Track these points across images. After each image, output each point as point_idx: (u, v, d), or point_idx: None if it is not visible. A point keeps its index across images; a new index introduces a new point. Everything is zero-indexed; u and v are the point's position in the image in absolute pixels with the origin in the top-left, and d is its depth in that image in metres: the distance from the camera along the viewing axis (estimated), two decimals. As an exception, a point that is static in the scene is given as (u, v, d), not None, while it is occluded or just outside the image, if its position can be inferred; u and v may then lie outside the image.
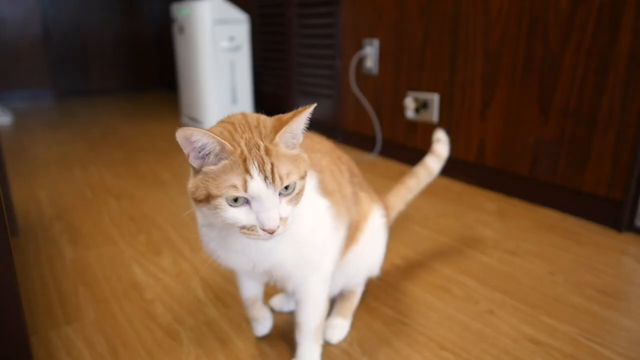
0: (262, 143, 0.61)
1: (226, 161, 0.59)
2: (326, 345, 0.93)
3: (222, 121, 0.67)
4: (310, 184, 0.76)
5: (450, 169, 2.01)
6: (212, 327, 1.01)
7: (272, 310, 1.05)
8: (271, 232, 0.61)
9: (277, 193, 0.61)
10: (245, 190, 0.59)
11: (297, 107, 0.65)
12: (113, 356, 0.92)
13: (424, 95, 2.05)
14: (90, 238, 1.45)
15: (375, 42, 2.25)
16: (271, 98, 3.20)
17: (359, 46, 2.35)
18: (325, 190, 0.80)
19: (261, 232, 0.61)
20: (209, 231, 0.74)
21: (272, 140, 0.61)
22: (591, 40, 1.44)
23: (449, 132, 1.97)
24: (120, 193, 1.85)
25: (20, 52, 4.21)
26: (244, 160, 0.59)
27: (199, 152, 0.60)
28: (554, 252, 1.34)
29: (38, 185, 1.94)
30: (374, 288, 1.16)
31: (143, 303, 1.11)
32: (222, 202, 0.60)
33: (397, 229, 1.50)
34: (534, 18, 1.59)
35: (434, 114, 2.02)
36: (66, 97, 4.38)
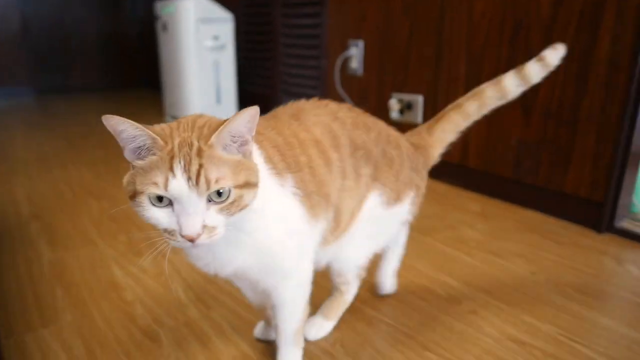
0: (196, 143, 0.57)
1: (154, 157, 0.56)
2: (308, 346, 0.93)
3: (177, 119, 0.63)
4: (278, 189, 0.71)
5: (434, 171, 2.01)
6: (193, 328, 1.00)
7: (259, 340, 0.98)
8: (190, 240, 0.56)
9: (203, 198, 0.56)
10: (166, 188, 0.55)
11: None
12: (90, 358, 0.90)
13: (408, 97, 2.05)
14: (69, 239, 1.42)
15: (361, 43, 2.25)
16: (256, 98, 3.18)
17: (344, 47, 2.35)
18: (303, 190, 0.75)
19: (180, 239, 0.57)
20: None
21: (207, 140, 0.57)
22: (572, 43, 1.46)
23: (433, 134, 1.99)
24: (100, 193, 1.81)
25: (-1, 49, 4.11)
26: (171, 158, 0.55)
27: (131, 144, 0.57)
28: (535, 253, 1.36)
29: (16, 185, 1.89)
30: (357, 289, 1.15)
31: (122, 304, 1.08)
32: (144, 200, 0.57)
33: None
34: (516, 21, 1.60)
35: (418, 115, 2.02)
36: (46, 95, 4.30)
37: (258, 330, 0.98)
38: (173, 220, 0.57)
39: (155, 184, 0.55)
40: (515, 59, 1.62)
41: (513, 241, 1.43)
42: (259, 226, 0.67)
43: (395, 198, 0.90)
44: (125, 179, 0.60)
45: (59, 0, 4.36)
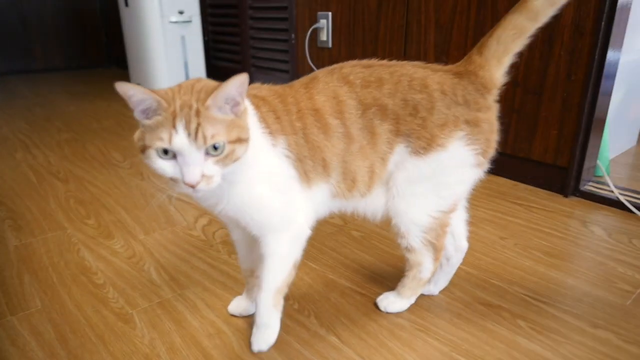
0: (195, 105, 0.65)
1: (159, 117, 0.65)
2: (283, 319, 0.92)
3: (178, 84, 0.71)
4: (269, 148, 0.77)
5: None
6: (167, 309, 0.99)
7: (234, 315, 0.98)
8: (192, 186, 0.66)
9: (202, 151, 0.65)
10: (170, 142, 0.64)
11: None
12: (62, 344, 0.89)
13: (379, 68, 2.04)
14: (35, 224, 1.38)
15: (329, 15, 2.21)
16: (225, 73, 3.11)
17: (314, 19, 2.30)
18: (296, 154, 0.79)
19: (182, 185, 0.67)
20: None
21: (204, 103, 0.66)
22: (538, 9, 1.47)
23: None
24: (67, 176, 1.76)
25: (-49, 29, 3.90)
26: (174, 117, 0.64)
27: (139, 106, 0.66)
28: (505, 219, 1.39)
29: (-24, 171, 1.82)
30: (330, 260, 1.16)
31: (93, 288, 1.07)
32: (152, 153, 0.66)
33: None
34: (483, -12, 1.59)
35: (389, 87, 2.02)
36: (7, 77, 4.12)
37: (233, 306, 0.98)
38: (177, 170, 0.67)
39: (161, 139, 0.65)
40: (483, 26, 1.62)
41: (483, 208, 1.46)
42: (242, 179, 0.74)
43: (426, 145, 0.82)
44: (136, 135, 0.69)
45: (13, -24, 4.13)
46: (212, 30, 3.15)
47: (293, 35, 2.46)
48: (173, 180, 0.68)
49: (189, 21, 2.74)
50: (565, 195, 1.52)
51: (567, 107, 1.47)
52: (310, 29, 2.31)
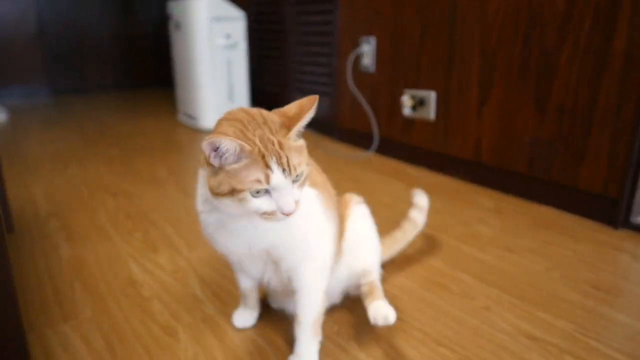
0: (274, 138, 0.67)
1: (246, 160, 0.65)
2: (322, 341, 0.93)
3: (227, 119, 0.70)
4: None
5: (447, 167, 2.01)
6: (210, 324, 1.01)
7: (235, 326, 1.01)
8: (289, 215, 0.69)
9: (292, 181, 0.68)
10: (268, 182, 0.66)
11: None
12: (110, 353, 0.92)
13: (420, 93, 2.05)
14: (86, 235, 1.45)
15: (372, 40, 2.25)
16: (268, 96, 3.19)
17: (356, 44, 2.35)
18: (313, 182, 0.84)
19: (280, 216, 0.69)
20: (208, 217, 0.79)
21: (284, 135, 0.68)
22: (587, 39, 1.45)
23: (446, 130, 1.99)
24: (116, 190, 1.84)
25: (16, 50, 4.18)
26: (263, 157, 0.65)
27: (224, 154, 0.66)
28: (550, 249, 1.35)
29: (33, 183, 1.93)
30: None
31: (140, 300, 1.10)
32: (246, 195, 0.66)
33: (394, 226, 1.51)
34: (530, 17, 1.59)
35: (431, 112, 2.02)
36: (62, 95, 4.36)
37: (239, 319, 1.00)
38: (272, 204, 0.68)
39: (258, 180, 0.65)
40: (529, 55, 1.61)
41: (527, 237, 1.42)
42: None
43: None
44: (213, 181, 0.68)
45: (74, 3, 4.42)
46: (257, 53, 3.25)
47: (335, 60, 2.51)
48: (267, 213, 0.69)
49: (235, 45, 2.84)
50: (615, 228, 1.47)
51: (618, 137, 1.43)
52: (353, 54, 2.35)
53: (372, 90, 2.33)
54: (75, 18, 4.45)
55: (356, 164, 2.18)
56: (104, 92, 4.60)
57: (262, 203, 0.68)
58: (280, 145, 0.67)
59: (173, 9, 2.96)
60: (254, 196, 0.67)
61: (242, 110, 0.72)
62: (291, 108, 0.72)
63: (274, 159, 0.66)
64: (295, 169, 0.67)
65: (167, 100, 3.99)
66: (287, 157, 0.66)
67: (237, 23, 2.82)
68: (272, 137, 0.67)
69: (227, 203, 0.68)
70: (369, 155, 2.34)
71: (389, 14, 2.14)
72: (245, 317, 1.01)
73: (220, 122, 0.70)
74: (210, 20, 2.70)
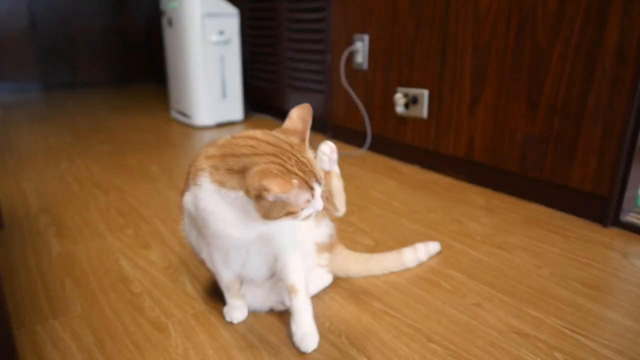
0: (304, 159, 0.78)
1: (297, 189, 0.75)
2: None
3: (258, 154, 0.75)
4: None
5: (440, 164, 2.02)
6: (200, 320, 1.01)
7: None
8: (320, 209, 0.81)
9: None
10: (313, 197, 0.78)
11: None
12: (100, 349, 0.92)
13: (413, 91, 2.05)
14: (77, 231, 1.44)
15: (366, 38, 2.25)
16: (261, 92, 3.18)
17: (350, 41, 2.34)
18: None
19: (314, 213, 0.81)
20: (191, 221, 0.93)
21: (306, 151, 0.80)
22: (579, 37, 1.46)
23: (438, 128, 1.99)
24: (108, 186, 1.83)
25: (7, 45, 4.14)
26: (306, 182, 0.76)
27: (279, 197, 0.73)
28: (540, 247, 1.36)
29: (24, 178, 1.91)
30: (362, 281, 1.16)
31: (131, 296, 1.10)
32: (300, 212, 0.78)
33: (386, 223, 1.51)
34: (522, 15, 1.60)
35: (423, 110, 2.02)
36: (54, 90, 4.33)
37: (233, 313, 1.01)
38: (311, 207, 0.79)
39: (308, 200, 0.77)
40: (521, 53, 1.62)
41: (518, 235, 1.43)
42: None
43: None
44: (265, 210, 0.75)
45: (65, -3, 4.38)
46: (250, 50, 3.24)
47: (329, 57, 2.51)
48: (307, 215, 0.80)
49: (228, 41, 2.82)
50: (605, 225, 1.48)
51: (608, 135, 1.44)
52: (346, 51, 2.35)
53: (365, 88, 2.33)
54: (67, 13, 4.42)
55: (349, 161, 2.18)
56: (97, 87, 4.56)
57: (307, 211, 0.79)
58: (310, 163, 0.78)
59: (166, 4, 2.94)
60: (302, 210, 0.78)
61: (263, 140, 0.78)
62: (296, 123, 0.81)
63: (313, 179, 0.77)
64: (322, 177, 0.79)
65: (160, 96, 3.97)
66: (317, 171, 0.78)
67: (230, 19, 2.80)
68: (303, 160, 0.77)
69: (277, 219, 0.78)
70: (362, 153, 2.34)
71: (382, 11, 2.14)
72: (237, 310, 1.01)
73: (254, 160, 0.75)
74: (203, 16, 2.69)
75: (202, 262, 1.01)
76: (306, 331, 0.92)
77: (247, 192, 0.74)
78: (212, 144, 0.84)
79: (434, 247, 1.30)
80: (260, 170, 0.72)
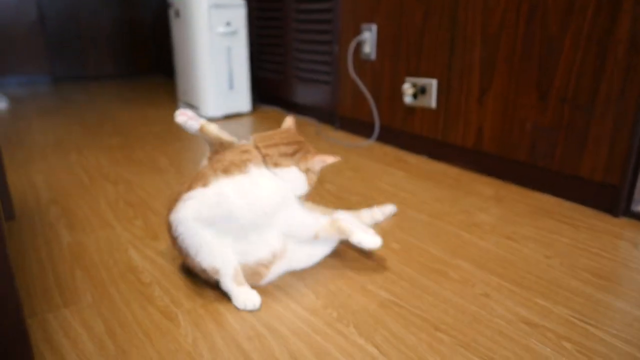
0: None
1: None
2: (322, 327, 0.94)
3: (289, 144, 1.08)
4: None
5: (448, 155, 2.01)
6: (209, 310, 1.02)
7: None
8: None
9: None
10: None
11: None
12: (111, 337, 0.93)
13: (422, 81, 2.04)
14: (87, 222, 1.45)
15: (374, 27, 2.23)
16: (268, 83, 3.18)
17: (357, 31, 2.33)
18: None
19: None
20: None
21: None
22: (590, 25, 1.44)
23: (447, 118, 1.98)
24: (117, 178, 1.84)
25: (16, 38, 4.17)
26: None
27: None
28: (550, 237, 1.35)
29: (34, 170, 1.93)
30: (369, 271, 1.16)
31: (140, 286, 1.11)
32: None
33: (394, 214, 1.51)
34: (533, 3, 1.57)
35: (432, 100, 2.01)
36: (63, 83, 4.35)
37: (247, 300, 1.03)
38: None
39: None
40: (531, 42, 1.60)
41: (527, 225, 1.42)
42: None
43: None
44: (313, 179, 1.09)
45: (73, -11, 4.39)
46: (257, 41, 3.23)
47: (336, 47, 2.50)
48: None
49: (235, 32, 2.82)
50: (615, 215, 1.47)
51: (619, 125, 1.42)
52: (354, 42, 2.33)
53: (373, 79, 2.32)
54: (75, 6, 4.43)
55: (357, 152, 2.18)
56: (105, 80, 4.58)
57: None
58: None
59: (173, -4, 2.94)
60: None
61: (289, 133, 1.09)
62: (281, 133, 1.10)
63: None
64: None
65: (168, 88, 3.97)
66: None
67: (237, 10, 2.80)
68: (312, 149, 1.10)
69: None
70: (370, 143, 2.33)
71: (391, 0, 2.12)
72: (253, 295, 1.03)
73: (302, 146, 1.07)
74: (210, 7, 2.69)
75: (202, 272, 1.05)
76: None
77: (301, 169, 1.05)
78: (239, 145, 1.07)
79: (389, 208, 1.49)
80: (313, 151, 1.08)
